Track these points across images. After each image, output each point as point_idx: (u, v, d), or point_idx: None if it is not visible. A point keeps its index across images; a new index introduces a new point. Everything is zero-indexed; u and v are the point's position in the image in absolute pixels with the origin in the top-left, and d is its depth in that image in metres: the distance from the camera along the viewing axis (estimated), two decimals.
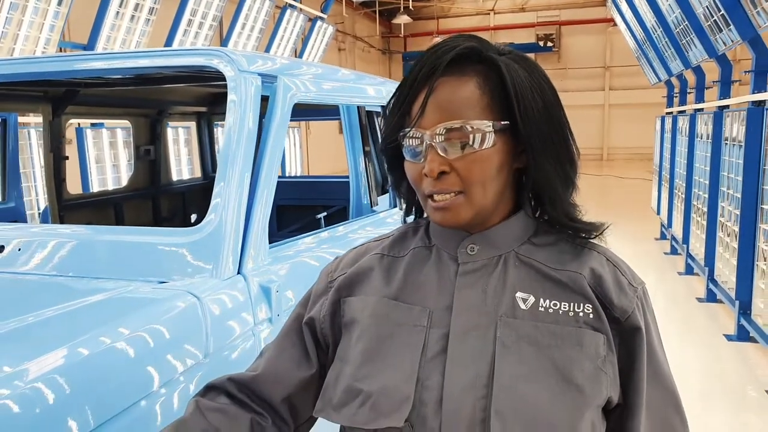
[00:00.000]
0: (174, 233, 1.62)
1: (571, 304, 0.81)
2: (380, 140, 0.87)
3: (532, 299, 0.81)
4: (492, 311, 0.81)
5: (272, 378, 0.91)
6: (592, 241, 0.87)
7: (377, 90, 2.65)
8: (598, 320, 0.80)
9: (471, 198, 0.81)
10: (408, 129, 0.81)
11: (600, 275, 0.83)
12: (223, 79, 1.71)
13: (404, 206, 0.97)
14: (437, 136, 0.79)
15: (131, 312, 1.31)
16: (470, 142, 0.79)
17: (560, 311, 0.80)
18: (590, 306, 0.81)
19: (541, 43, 20.69)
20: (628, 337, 0.82)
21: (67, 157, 3.19)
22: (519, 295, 0.82)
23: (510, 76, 0.80)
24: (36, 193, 5.38)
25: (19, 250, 1.70)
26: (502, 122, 0.80)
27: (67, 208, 3.22)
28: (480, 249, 0.85)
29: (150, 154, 3.74)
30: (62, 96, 2.99)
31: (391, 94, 0.85)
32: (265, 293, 1.58)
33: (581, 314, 0.80)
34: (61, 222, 3.09)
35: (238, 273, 1.56)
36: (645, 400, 0.82)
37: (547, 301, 0.81)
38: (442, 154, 0.79)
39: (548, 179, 0.82)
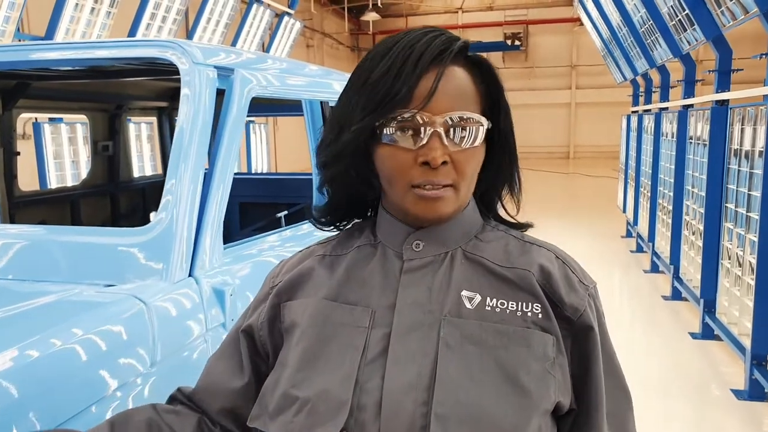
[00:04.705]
0: (122, 233, 1.53)
1: (519, 303, 0.78)
2: (349, 124, 0.79)
3: (478, 298, 0.79)
4: (437, 310, 0.78)
5: (207, 391, 0.90)
6: (538, 239, 0.88)
7: (342, 85, 2.58)
8: (547, 320, 0.78)
9: (459, 193, 0.79)
10: (413, 111, 0.75)
11: (549, 272, 0.81)
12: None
13: (332, 208, 0.89)
14: (445, 124, 0.76)
15: (71, 318, 1.23)
16: (471, 136, 0.78)
17: (507, 310, 0.78)
18: (539, 305, 0.78)
19: (509, 42, 20.82)
20: (580, 338, 0.79)
21: (18, 153, 3.06)
22: (465, 293, 0.79)
23: (499, 77, 0.82)
24: None
25: None
26: (489, 122, 0.81)
27: (19, 206, 3.08)
28: (426, 245, 0.82)
29: (108, 149, 3.62)
30: (13, 89, 2.86)
31: (362, 72, 0.79)
32: (218, 297, 1.51)
33: (529, 314, 0.78)
34: (12, 221, 2.95)
35: (190, 275, 1.49)
36: (606, 405, 0.80)
37: (494, 300, 0.79)
38: (446, 143, 0.76)
39: (512, 177, 0.86)
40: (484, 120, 0.79)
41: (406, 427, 0.72)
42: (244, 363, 0.88)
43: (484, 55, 0.85)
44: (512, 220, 0.90)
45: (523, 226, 0.90)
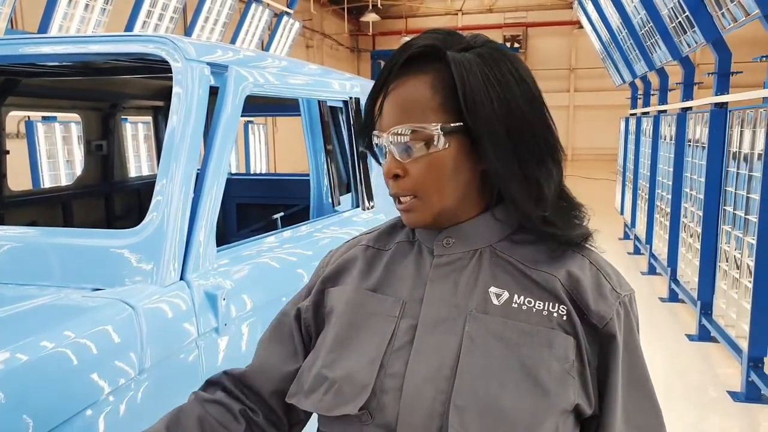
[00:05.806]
0: (110, 235, 1.49)
1: (546, 303, 0.79)
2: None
3: (506, 295, 0.80)
4: (463, 305, 0.80)
5: (260, 372, 0.93)
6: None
7: (342, 85, 2.53)
8: (571, 324, 0.79)
9: (426, 201, 0.82)
10: (374, 131, 0.84)
11: (578, 279, 0.80)
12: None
13: None
14: (390, 139, 0.81)
15: (55, 324, 1.19)
16: (417, 145, 0.79)
17: (534, 309, 0.79)
18: (564, 308, 0.79)
19: (508, 44, 20.79)
20: (605, 345, 0.80)
21: (7, 152, 3.01)
22: (492, 290, 0.81)
23: (459, 72, 0.78)
24: None
25: None
26: (453, 124, 0.79)
27: (8, 206, 3.02)
28: (456, 242, 0.85)
29: (102, 149, 3.56)
30: (1, 86, 2.80)
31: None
32: (210, 301, 1.46)
33: (555, 315, 0.79)
34: (1, 222, 2.89)
35: (181, 279, 1.44)
36: (621, 410, 0.81)
37: (522, 297, 0.80)
38: (396, 156, 0.81)
39: (506, 180, 0.79)
40: (431, 126, 0.78)
41: (425, 412, 0.75)
42: (297, 348, 0.93)
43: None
44: (553, 227, 0.82)
45: (567, 235, 0.82)
